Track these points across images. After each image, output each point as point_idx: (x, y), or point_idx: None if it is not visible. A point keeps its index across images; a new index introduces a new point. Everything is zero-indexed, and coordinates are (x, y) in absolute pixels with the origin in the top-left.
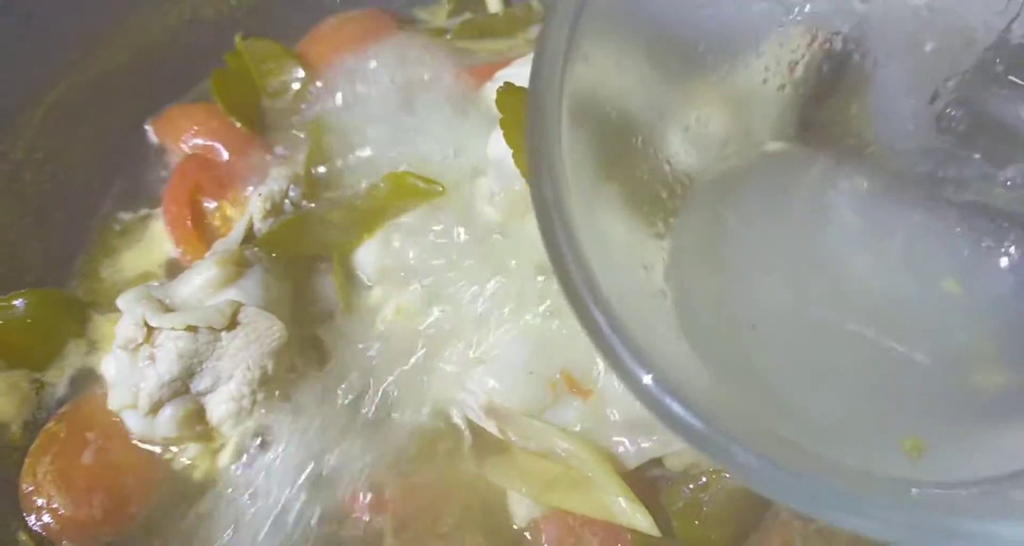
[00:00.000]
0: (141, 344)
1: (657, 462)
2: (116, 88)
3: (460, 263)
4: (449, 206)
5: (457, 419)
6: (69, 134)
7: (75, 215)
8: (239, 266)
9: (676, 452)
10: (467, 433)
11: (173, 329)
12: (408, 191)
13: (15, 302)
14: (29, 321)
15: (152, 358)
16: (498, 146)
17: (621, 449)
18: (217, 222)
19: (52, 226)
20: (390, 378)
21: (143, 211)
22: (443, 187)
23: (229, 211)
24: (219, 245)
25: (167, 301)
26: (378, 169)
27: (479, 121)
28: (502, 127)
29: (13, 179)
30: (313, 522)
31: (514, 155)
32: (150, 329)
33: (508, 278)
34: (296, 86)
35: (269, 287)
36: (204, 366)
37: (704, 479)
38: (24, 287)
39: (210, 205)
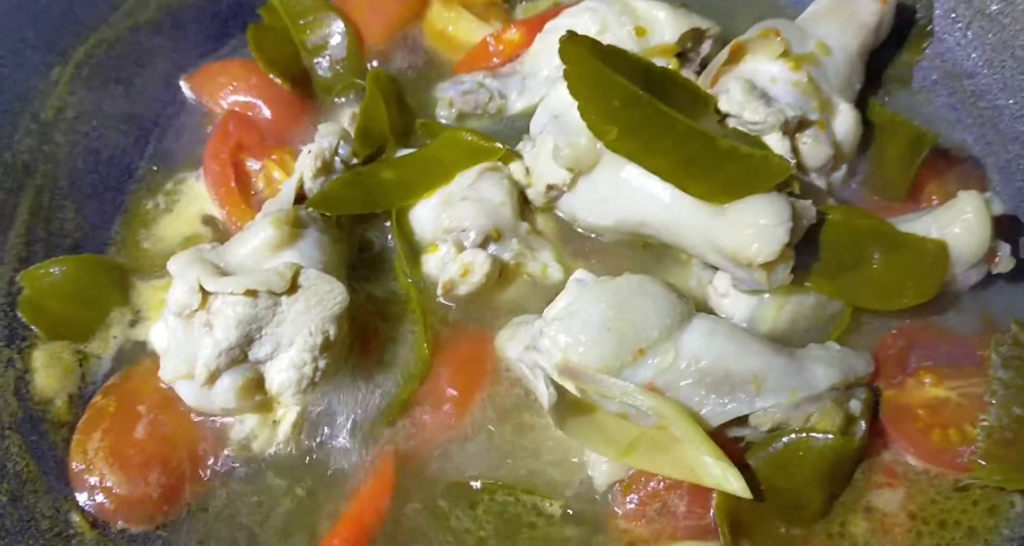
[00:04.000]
0: (196, 310)
1: (741, 421)
2: (146, 44)
3: (521, 226)
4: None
5: (538, 379)
6: (99, 93)
7: (110, 177)
8: (295, 227)
9: (762, 410)
10: (550, 390)
11: (232, 294)
12: (466, 149)
13: (52, 269)
14: (68, 289)
15: (208, 325)
16: (560, 100)
17: (705, 409)
18: (261, 183)
19: (87, 189)
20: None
21: (181, 172)
22: (502, 145)
23: (274, 171)
24: (270, 205)
25: (221, 264)
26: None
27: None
28: (567, 78)
29: (44, 140)
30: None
31: (580, 107)
32: (205, 294)
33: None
34: (336, 41)
35: (326, 249)
36: (263, 332)
37: (793, 437)
38: (61, 254)
39: (253, 166)
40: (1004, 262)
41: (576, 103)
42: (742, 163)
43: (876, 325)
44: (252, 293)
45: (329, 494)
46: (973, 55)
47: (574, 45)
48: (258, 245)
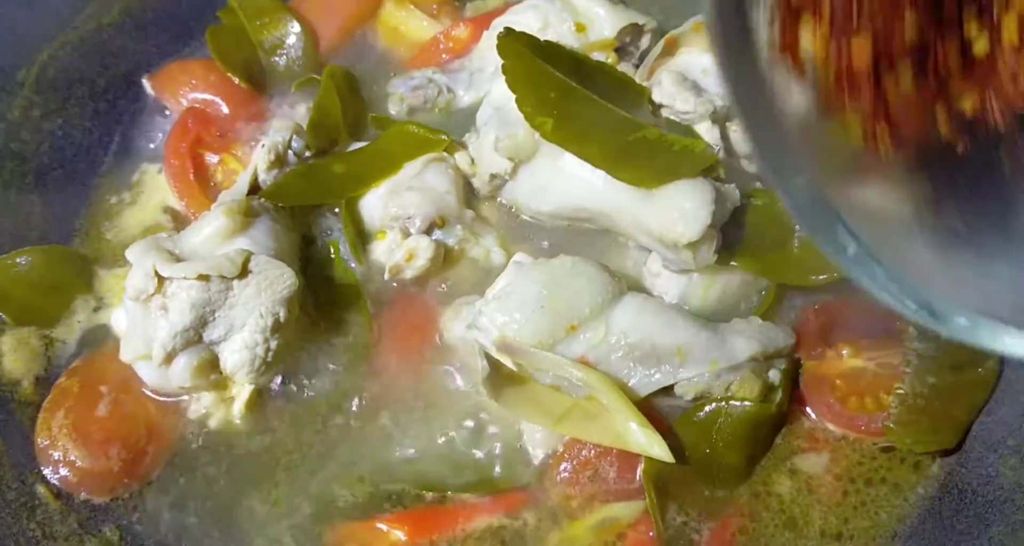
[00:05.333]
0: (152, 295)
1: (667, 391)
2: (108, 46)
3: (466, 213)
4: (452, 156)
5: (474, 352)
6: (64, 92)
7: (75, 173)
8: (247, 216)
9: (685, 380)
10: (483, 364)
11: (185, 279)
12: (412, 141)
13: (19, 259)
14: (34, 278)
15: (164, 308)
16: (501, 93)
17: (632, 381)
18: (220, 176)
19: (53, 184)
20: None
21: (143, 166)
22: (447, 137)
23: (232, 165)
24: (225, 196)
25: (176, 251)
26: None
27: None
28: (504, 73)
29: (11, 138)
30: (332, 467)
31: (517, 100)
32: (161, 279)
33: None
34: (292, 41)
35: (278, 237)
36: (217, 315)
37: (714, 406)
38: (27, 246)
39: (212, 159)
40: None
41: (514, 96)
42: (669, 150)
43: (800, 301)
44: (205, 278)
45: (281, 467)
46: None
47: (510, 41)
48: (211, 233)
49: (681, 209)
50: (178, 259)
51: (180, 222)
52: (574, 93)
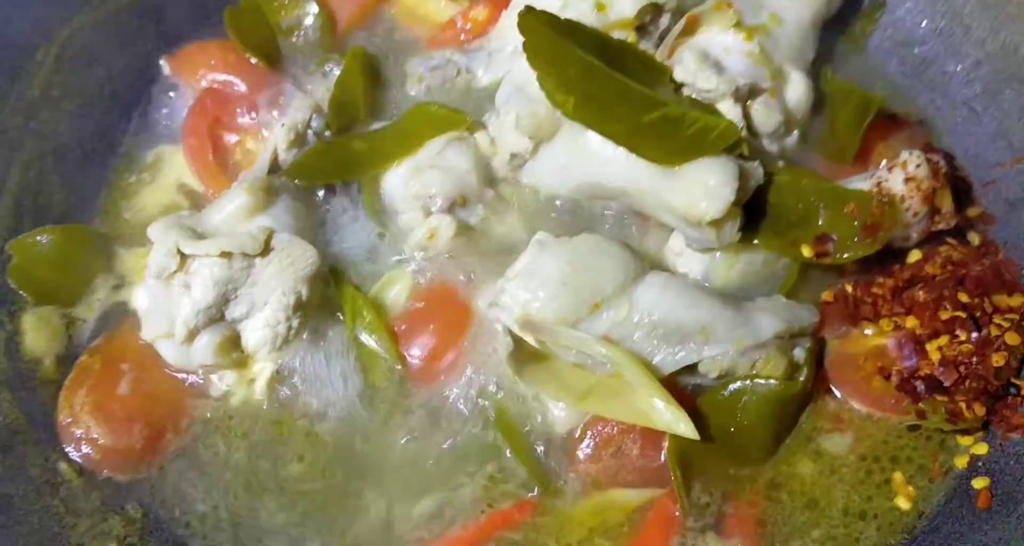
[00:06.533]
0: (175, 272)
1: (691, 370)
2: (126, 26)
3: (486, 192)
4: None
5: (498, 329)
6: (83, 72)
7: (94, 152)
8: (268, 194)
9: (710, 358)
10: (507, 340)
11: (207, 256)
12: (433, 120)
13: (40, 238)
14: (55, 257)
15: (186, 286)
16: (522, 72)
17: (656, 358)
18: (238, 156)
19: (72, 164)
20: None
21: (161, 146)
22: (468, 116)
23: (250, 144)
24: (245, 175)
25: (198, 229)
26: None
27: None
28: (525, 51)
29: (30, 117)
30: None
31: (538, 78)
32: (183, 257)
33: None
34: (309, 21)
35: (299, 215)
36: (239, 293)
37: (739, 384)
38: (48, 224)
39: (230, 139)
40: (948, 218)
41: (535, 74)
42: (692, 128)
43: (823, 279)
44: (227, 255)
45: (303, 445)
46: (923, 23)
47: (531, 18)
48: (233, 211)
49: (705, 186)
50: (200, 237)
51: (196, 201)
52: (596, 71)
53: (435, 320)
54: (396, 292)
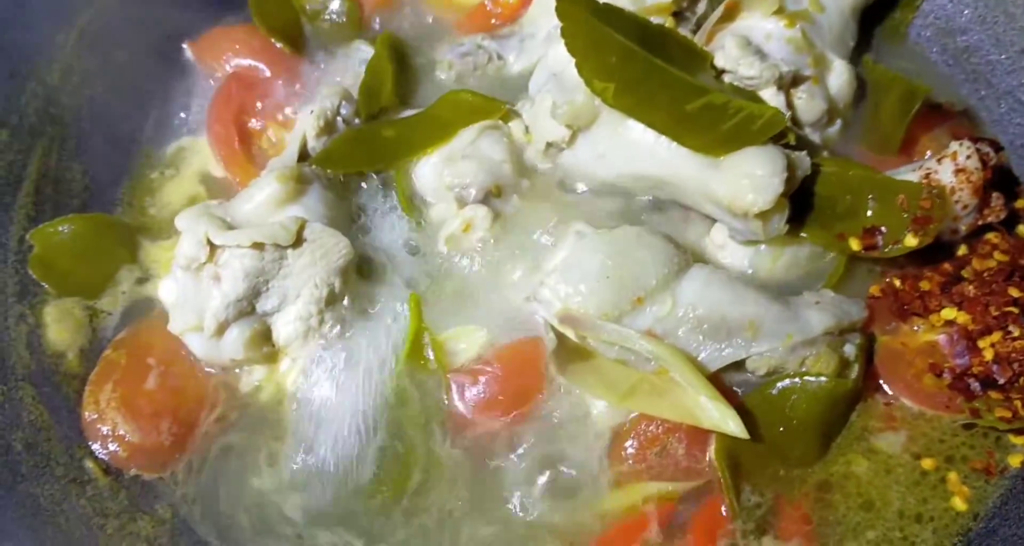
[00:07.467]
0: (204, 263)
1: (737, 367)
2: (148, 10)
3: (522, 182)
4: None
5: (539, 326)
6: (104, 57)
7: (116, 139)
8: (299, 182)
9: (758, 355)
10: (551, 336)
11: (239, 246)
12: (466, 108)
13: (61, 227)
14: (77, 247)
15: (216, 277)
16: (558, 58)
17: (702, 355)
18: (264, 144)
19: (93, 151)
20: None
21: (184, 134)
22: (504, 104)
23: (277, 132)
24: (275, 163)
25: (228, 219)
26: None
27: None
28: (563, 36)
29: (51, 103)
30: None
31: (577, 64)
32: (213, 247)
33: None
34: (335, 5)
35: (331, 204)
36: (270, 285)
37: (788, 382)
38: (69, 214)
39: (256, 126)
40: (997, 211)
41: (573, 60)
42: (737, 116)
43: (870, 273)
44: (259, 246)
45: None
46: (966, 11)
47: (570, 3)
48: (263, 200)
49: (752, 177)
50: (230, 227)
51: (219, 191)
52: (637, 57)
53: (503, 392)
54: (465, 348)
